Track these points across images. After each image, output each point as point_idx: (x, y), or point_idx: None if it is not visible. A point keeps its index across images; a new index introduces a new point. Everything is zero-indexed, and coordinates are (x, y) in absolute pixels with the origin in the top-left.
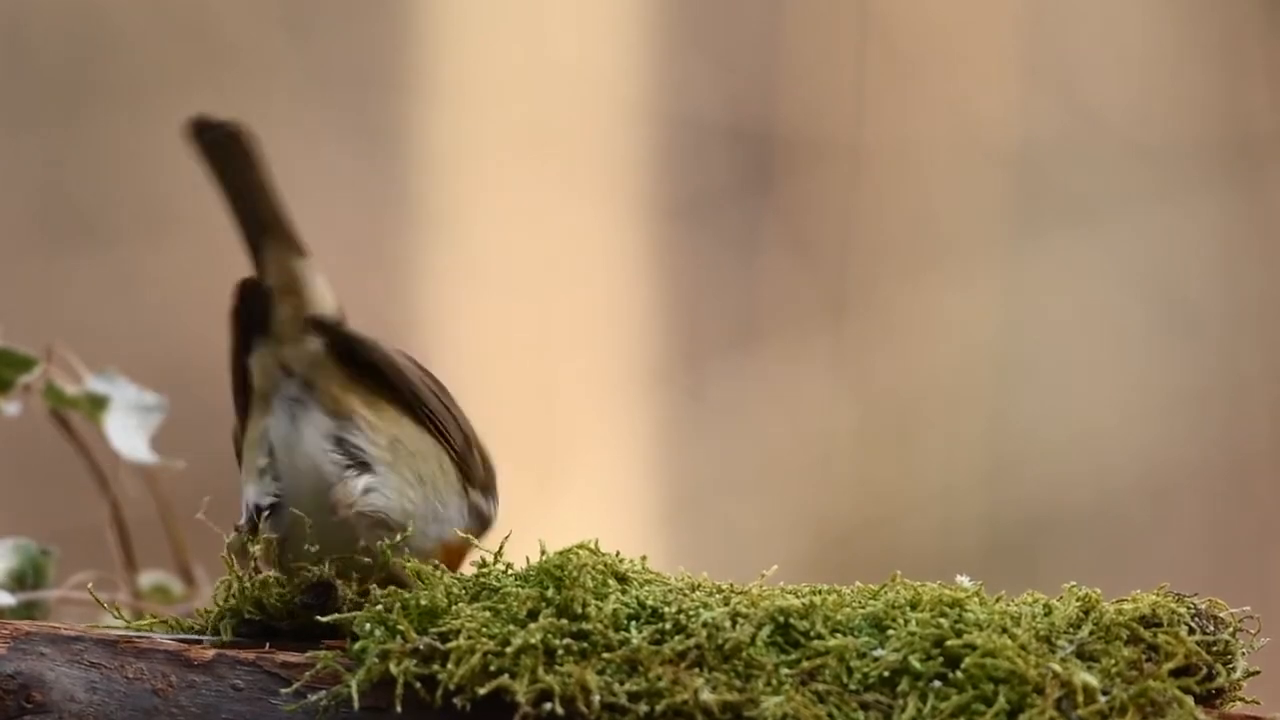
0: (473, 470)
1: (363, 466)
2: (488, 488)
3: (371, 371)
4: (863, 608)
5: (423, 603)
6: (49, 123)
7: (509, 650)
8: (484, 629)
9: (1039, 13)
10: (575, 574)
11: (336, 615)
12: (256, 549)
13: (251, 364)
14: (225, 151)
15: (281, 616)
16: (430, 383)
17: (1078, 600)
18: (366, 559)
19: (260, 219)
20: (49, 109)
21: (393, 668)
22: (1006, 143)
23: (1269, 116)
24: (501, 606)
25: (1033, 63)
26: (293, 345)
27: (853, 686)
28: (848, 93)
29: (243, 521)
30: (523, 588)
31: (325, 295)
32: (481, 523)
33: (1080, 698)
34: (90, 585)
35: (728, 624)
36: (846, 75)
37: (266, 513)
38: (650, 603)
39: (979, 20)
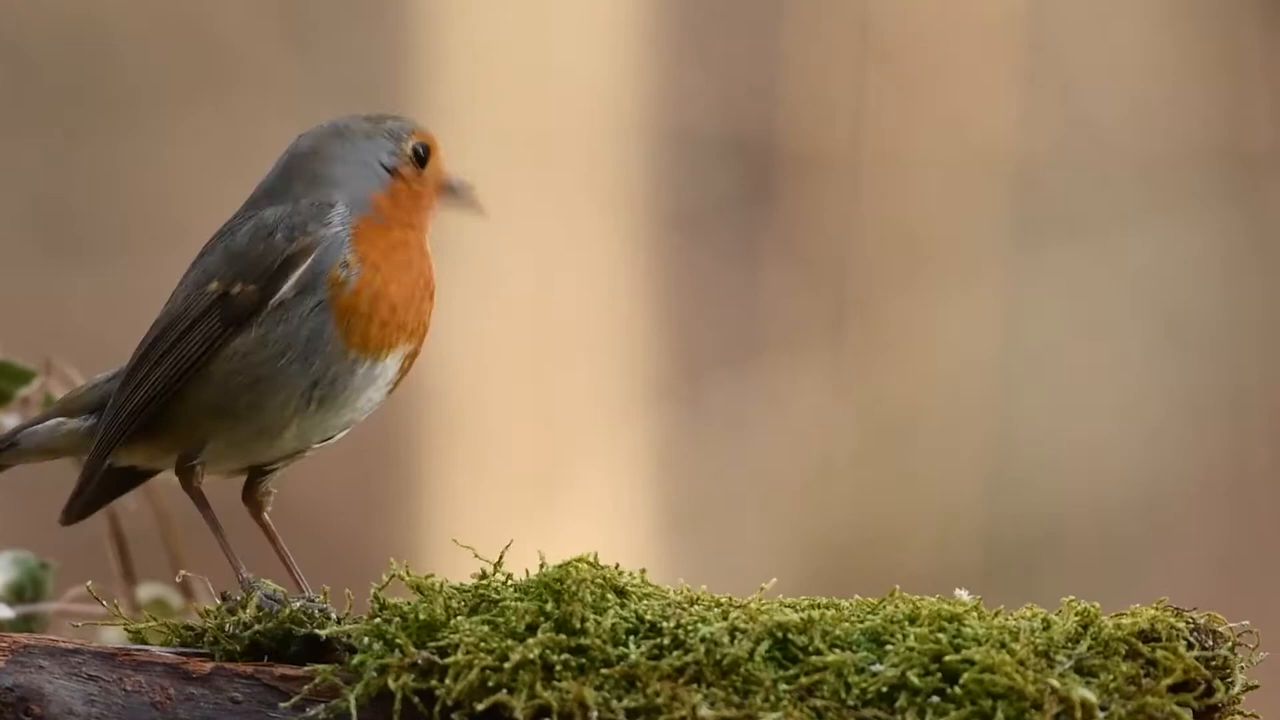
0: (232, 307)
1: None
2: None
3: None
4: (861, 622)
5: (421, 616)
6: (48, 134)
7: (507, 666)
8: (482, 643)
9: (1038, 26)
10: (574, 588)
11: (334, 629)
12: (245, 613)
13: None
14: None
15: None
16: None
17: (1076, 615)
18: None
19: None
20: (48, 120)
21: (391, 682)
22: (1005, 157)
23: (1268, 130)
24: (500, 620)
25: (1032, 76)
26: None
27: (851, 702)
28: (847, 106)
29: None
30: (521, 601)
31: None
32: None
33: (1079, 713)
34: (90, 584)
35: (726, 639)
36: (846, 89)
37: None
38: (649, 617)
39: (978, 34)
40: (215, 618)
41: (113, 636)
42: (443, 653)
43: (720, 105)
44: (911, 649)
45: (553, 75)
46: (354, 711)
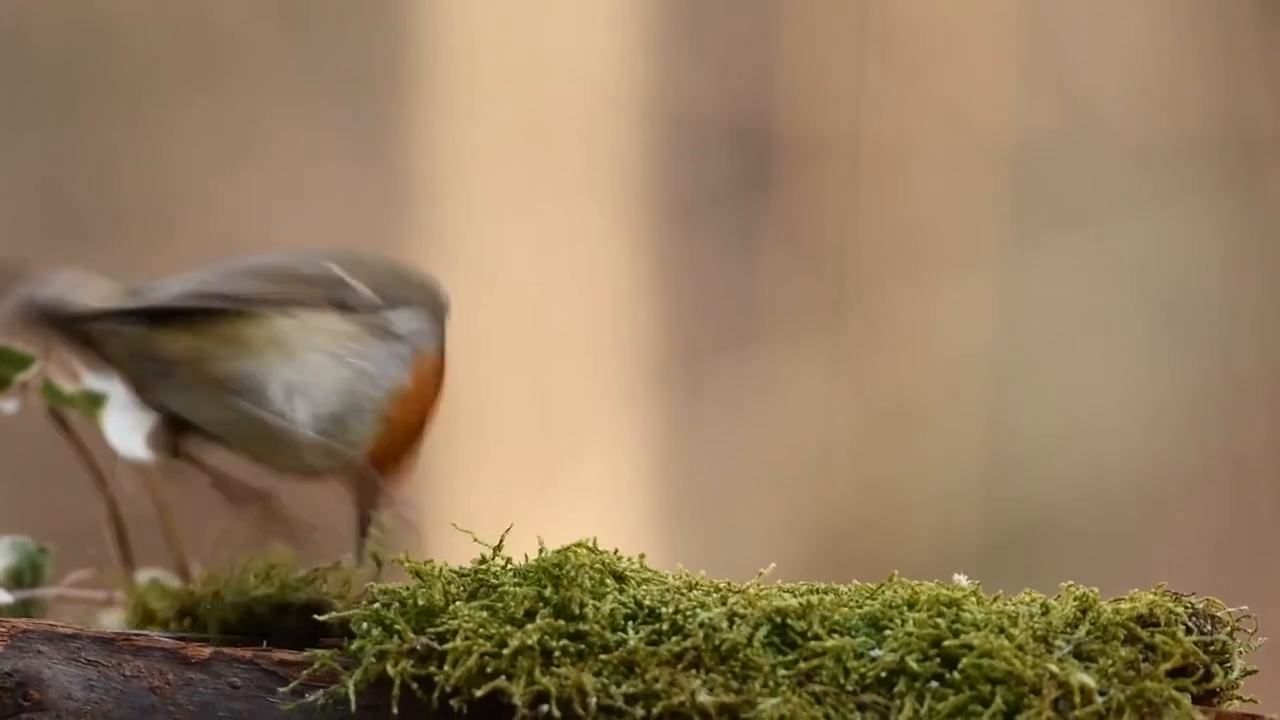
0: (363, 303)
1: (276, 398)
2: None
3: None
4: (860, 607)
5: (420, 602)
6: (47, 122)
7: (506, 652)
8: (481, 629)
9: (1038, 13)
10: (573, 573)
11: (333, 614)
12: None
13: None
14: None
15: (272, 622)
16: (254, 266)
17: (1075, 600)
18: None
19: None
20: (47, 108)
21: (389, 668)
22: (1005, 143)
23: (1268, 118)
24: (499, 605)
25: (1032, 63)
26: (107, 340)
27: (850, 687)
28: (846, 93)
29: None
30: (520, 586)
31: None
32: (415, 339)
33: (1077, 698)
34: (81, 596)
35: (725, 624)
36: (845, 75)
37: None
38: (648, 602)
39: (978, 20)
40: (214, 583)
41: (111, 622)
42: (441, 638)
43: (719, 92)
44: (910, 634)
45: (551, 63)
46: (353, 697)
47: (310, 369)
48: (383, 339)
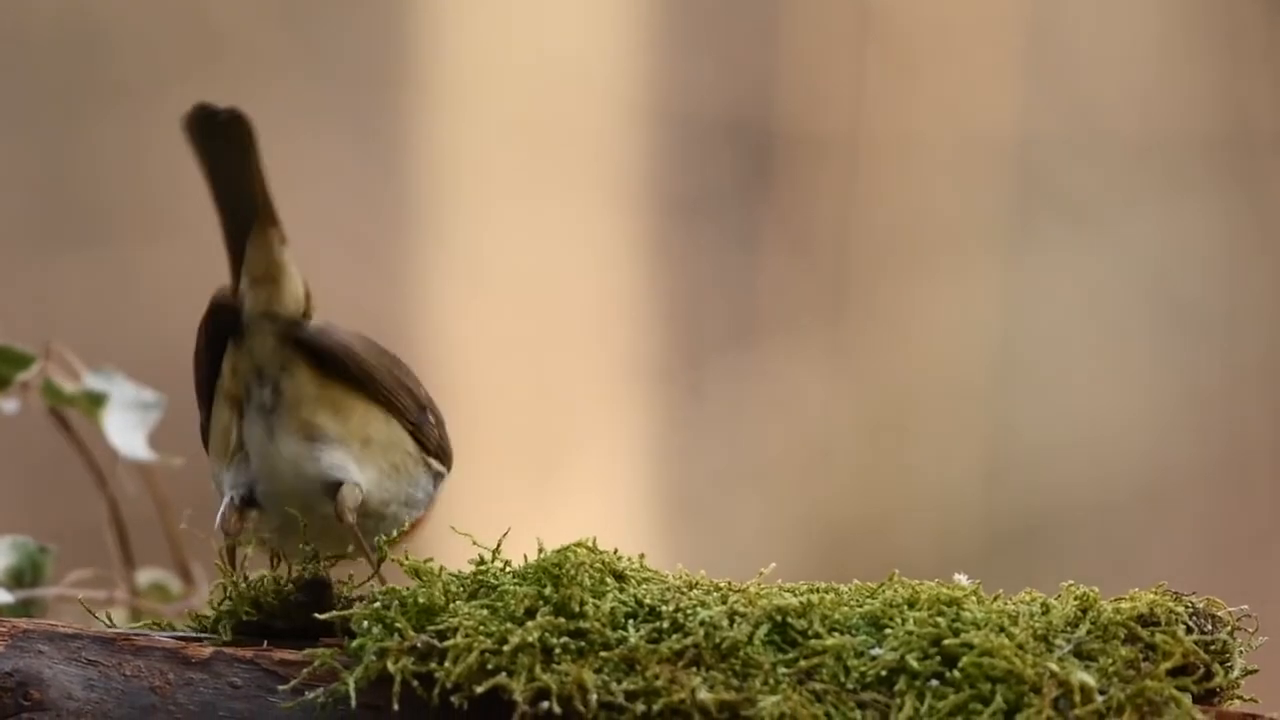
0: (428, 437)
1: (344, 471)
2: (443, 449)
3: (331, 358)
4: (860, 606)
5: (420, 600)
6: (47, 121)
7: (506, 649)
8: (481, 627)
9: (1040, 9)
10: (573, 572)
11: (334, 613)
12: (249, 549)
13: (223, 364)
14: (227, 134)
15: (278, 615)
16: (385, 359)
17: (1075, 599)
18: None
19: (252, 203)
20: (47, 107)
21: (390, 665)
22: (1007, 140)
23: (1271, 114)
24: (499, 604)
25: (1033, 60)
26: (262, 341)
27: (850, 686)
28: (848, 89)
29: (224, 505)
30: (520, 585)
31: (298, 283)
32: (438, 482)
33: (1077, 697)
34: (82, 597)
35: (725, 623)
36: (846, 72)
37: (253, 512)
38: (648, 601)
39: (979, 17)
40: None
41: (120, 621)
42: (442, 636)
43: (720, 89)
44: (910, 633)
45: (553, 59)
46: (353, 694)
47: (377, 471)
48: (428, 474)
